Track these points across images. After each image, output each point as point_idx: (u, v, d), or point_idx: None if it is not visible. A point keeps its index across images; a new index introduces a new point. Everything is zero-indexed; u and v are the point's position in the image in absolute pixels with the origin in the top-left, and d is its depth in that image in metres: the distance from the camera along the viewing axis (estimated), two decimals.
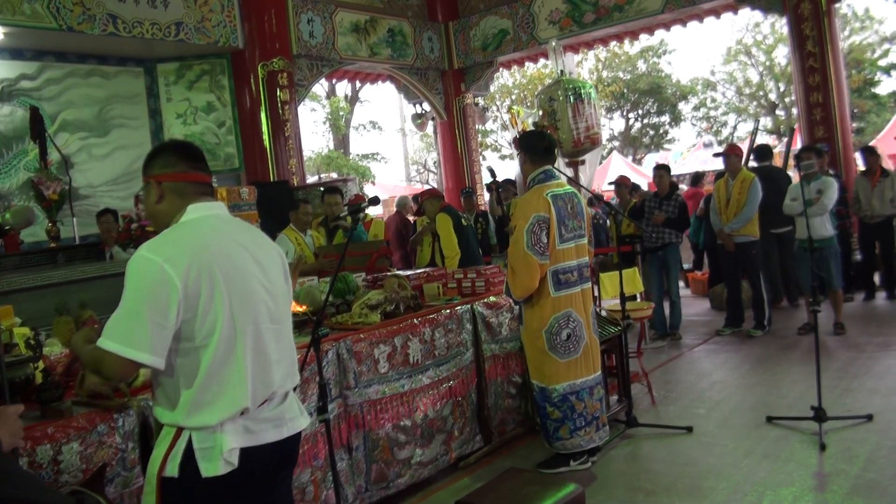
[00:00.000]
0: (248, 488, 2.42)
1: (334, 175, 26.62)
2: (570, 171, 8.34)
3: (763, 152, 9.89)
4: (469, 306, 5.35)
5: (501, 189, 10.39)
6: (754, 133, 13.64)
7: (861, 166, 10.41)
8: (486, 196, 10.30)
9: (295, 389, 2.69)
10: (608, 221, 10.88)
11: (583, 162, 8.64)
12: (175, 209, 2.50)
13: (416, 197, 12.12)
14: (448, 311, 5.16)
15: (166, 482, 2.35)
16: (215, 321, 2.32)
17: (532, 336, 4.94)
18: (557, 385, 4.87)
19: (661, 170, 9.13)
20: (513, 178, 11.49)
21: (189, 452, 2.32)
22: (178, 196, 2.51)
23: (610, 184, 9.78)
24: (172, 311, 2.25)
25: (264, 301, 2.49)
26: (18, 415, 2.15)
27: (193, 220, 2.46)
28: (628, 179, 10.16)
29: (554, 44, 8.26)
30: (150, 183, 2.53)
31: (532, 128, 7.89)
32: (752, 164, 9.91)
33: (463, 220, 7.89)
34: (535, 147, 5.08)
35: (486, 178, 12.12)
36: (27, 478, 1.81)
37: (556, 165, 5.16)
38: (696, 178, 13.93)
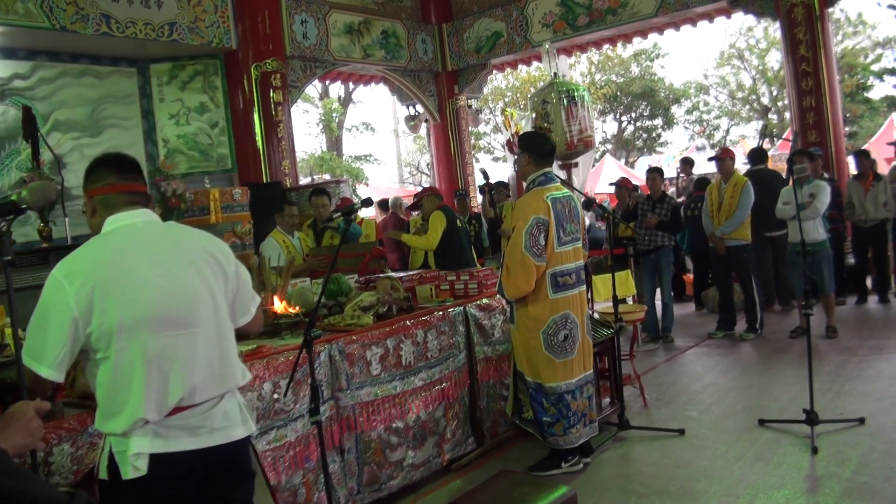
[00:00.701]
0: (173, 494, 2.44)
1: (327, 176, 26.62)
2: (563, 174, 8.34)
3: (757, 156, 9.91)
4: (462, 308, 5.35)
5: (494, 192, 10.38)
6: (763, 132, 13.68)
7: (854, 170, 10.44)
8: (479, 198, 10.27)
9: (284, 394, 2.68)
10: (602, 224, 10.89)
11: (576, 164, 8.65)
12: (101, 222, 2.57)
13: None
14: (441, 313, 5.16)
15: (101, 484, 2.45)
16: (111, 334, 2.35)
17: (527, 335, 4.94)
18: (554, 384, 4.88)
19: (654, 172, 9.15)
20: (505, 181, 11.48)
21: (111, 456, 2.40)
22: (106, 208, 2.58)
23: (611, 184, 9.80)
24: (67, 327, 2.31)
25: (173, 308, 2.46)
26: (43, 413, 2.10)
27: (106, 232, 2.54)
28: (629, 182, 10.18)
29: (548, 46, 8.26)
30: (85, 198, 2.63)
31: (528, 129, 7.88)
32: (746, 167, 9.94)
33: (458, 222, 7.85)
34: (540, 148, 5.10)
35: (480, 180, 12.13)
36: (23, 471, 1.79)
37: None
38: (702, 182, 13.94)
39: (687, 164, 13.69)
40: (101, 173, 2.60)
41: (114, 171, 2.61)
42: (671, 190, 14.25)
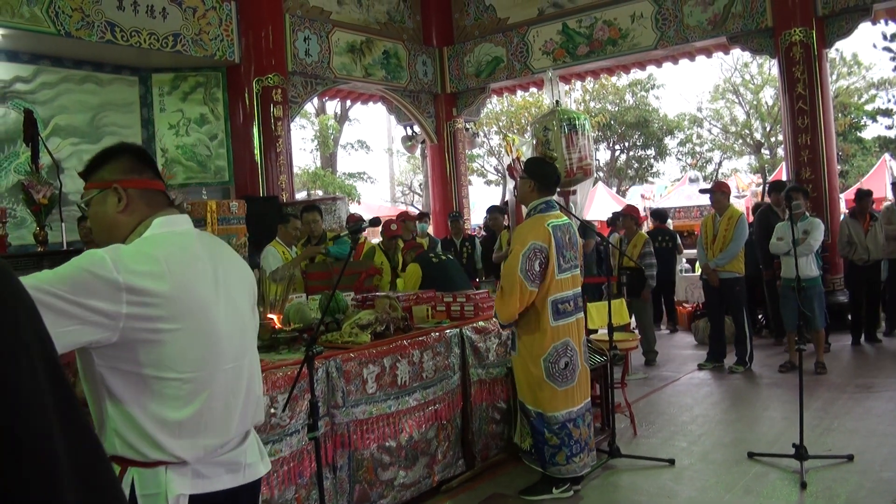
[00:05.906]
0: None
1: (320, 193, 26.63)
2: (561, 201, 8.39)
3: (775, 189, 9.94)
4: (458, 330, 5.37)
5: (490, 221, 10.41)
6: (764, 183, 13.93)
7: (844, 209, 10.51)
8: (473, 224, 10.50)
9: (283, 409, 2.60)
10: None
11: (574, 192, 8.69)
12: (137, 221, 2.16)
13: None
14: (437, 334, 5.18)
15: None
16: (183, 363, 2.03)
17: (528, 363, 4.95)
18: (557, 413, 4.89)
19: (495, 212, 9.43)
20: (499, 206, 11.45)
21: (133, 500, 2.02)
22: (148, 206, 2.17)
23: (613, 214, 9.91)
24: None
25: (228, 338, 2.16)
26: None
27: (163, 235, 2.13)
28: (637, 210, 10.28)
29: (551, 74, 8.32)
30: (109, 189, 2.15)
31: (529, 155, 7.93)
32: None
33: (433, 258, 7.59)
34: (546, 178, 5.12)
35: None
36: None
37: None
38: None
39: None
40: (132, 163, 2.19)
41: (148, 166, 2.23)
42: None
